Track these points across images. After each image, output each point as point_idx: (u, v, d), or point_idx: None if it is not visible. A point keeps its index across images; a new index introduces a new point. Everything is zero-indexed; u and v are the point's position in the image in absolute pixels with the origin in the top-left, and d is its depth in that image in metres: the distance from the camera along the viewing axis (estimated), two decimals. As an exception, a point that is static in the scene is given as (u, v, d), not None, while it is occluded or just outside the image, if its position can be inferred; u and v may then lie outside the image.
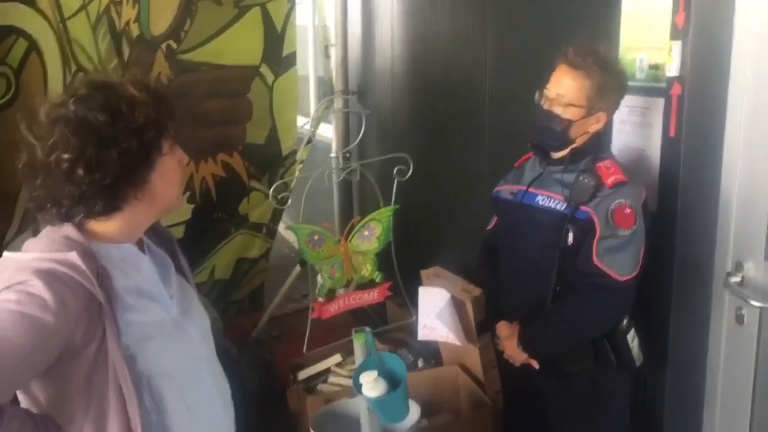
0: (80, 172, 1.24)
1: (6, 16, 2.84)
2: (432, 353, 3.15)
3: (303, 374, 3.09)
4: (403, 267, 2.22)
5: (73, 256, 1.21)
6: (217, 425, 1.51)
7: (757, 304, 1.83)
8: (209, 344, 1.53)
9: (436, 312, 2.74)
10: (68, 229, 1.29)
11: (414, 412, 2.50)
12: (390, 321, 3.54)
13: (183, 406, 1.39)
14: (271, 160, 3.82)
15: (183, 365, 1.41)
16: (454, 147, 3.40)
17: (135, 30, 3.25)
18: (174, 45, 3.37)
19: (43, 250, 1.24)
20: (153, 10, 3.27)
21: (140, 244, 1.44)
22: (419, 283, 2.91)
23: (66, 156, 1.24)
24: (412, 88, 3.81)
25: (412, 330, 2.86)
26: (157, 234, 1.54)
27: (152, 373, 1.34)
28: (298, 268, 3.67)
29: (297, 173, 3.85)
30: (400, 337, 3.30)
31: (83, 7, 3.05)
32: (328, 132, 4.46)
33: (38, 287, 1.16)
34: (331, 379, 3.04)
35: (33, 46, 2.91)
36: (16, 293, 1.16)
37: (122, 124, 1.26)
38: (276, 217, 3.96)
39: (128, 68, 3.17)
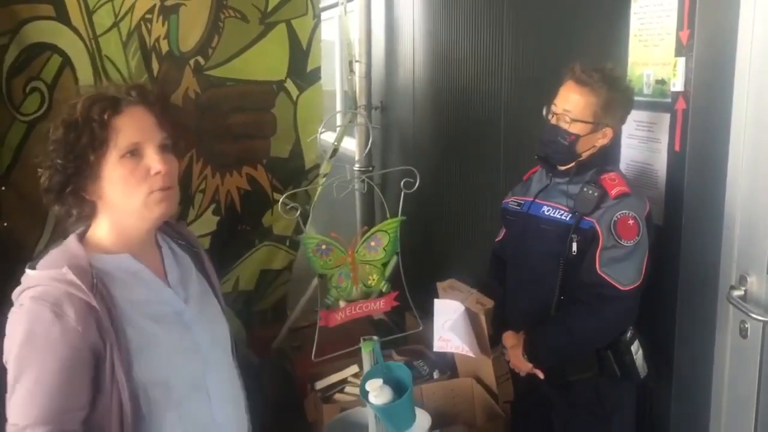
0: (46, 183, 1.37)
1: (41, 33, 3.01)
2: (448, 365, 3.21)
3: (320, 384, 3.17)
4: (420, 279, 2.29)
5: (64, 270, 1.31)
6: None
7: (759, 318, 1.85)
8: (220, 353, 1.56)
9: (450, 324, 2.79)
10: (71, 241, 1.40)
11: (424, 421, 2.56)
12: (408, 334, 3.61)
13: (177, 415, 1.43)
14: (294, 174, 3.91)
15: (183, 374, 1.45)
16: (472, 161, 3.48)
17: (164, 46, 3.39)
18: (202, 61, 3.50)
19: (45, 265, 1.35)
20: (182, 28, 3.40)
21: (158, 247, 1.52)
22: (436, 295, 2.97)
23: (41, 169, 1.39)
24: (433, 104, 3.90)
25: (428, 342, 2.92)
26: (184, 239, 1.62)
27: (148, 382, 1.38)
28: (317, 280, 3.75)
29: (320, 187, 3.94)
30: (418, 348, 3.37)
31: (115, 25, 3.20)
32: (351, 145, 4.56)
33: (33, 310, 1.29)
34: (348, 389, 3.11)
35: (66, 62, 3.08)
36: (17, 328, 1.29)
37: (63, 143, 1.35)
38: (300, 229, 4.05)
39: (158, 83, 3.32)
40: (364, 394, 2.06)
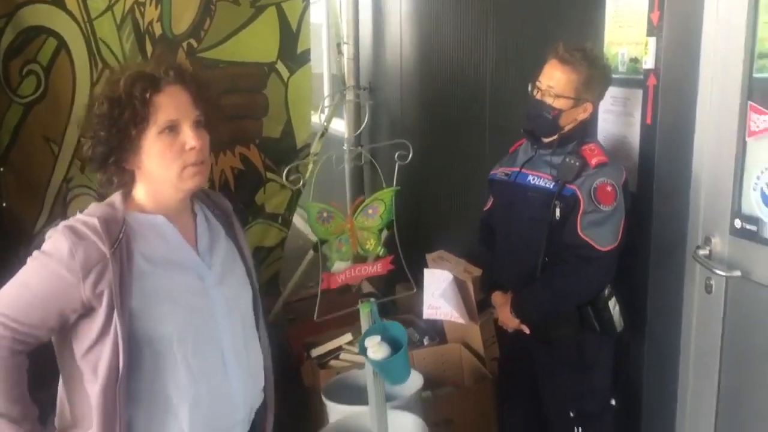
0: (89, 152, 1.55)
1: (37, 16, 3.16)
2: (437, 332, 3.43)
3: (316, 352, 3.38)
4: (411, 251, 2.48)
5: (95, 220, 1.49)
6: (225, 395, 1.63)
7: (722, 273, 2.08)
8: (238, 320, 1.67)
9: (439, 292, 2.99)
10: (116, 197, 1.58)
11: (417, 380, 2.78)
12: (400, 305, 3.83)
13: (185, 371, 1.54)
14: (286, 153, 4.09)
15: (192, 333, 1.56)
16: (458, 138, 3.69)
17: (158, 29, 3.55)
18: (194, 43, 3.67)
19: (88, 211, 1.54)
20: (175, 11, 3.56)
21: (194, 214, 1.68)
22: (425, 265, 3.18)
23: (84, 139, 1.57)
24: (420, 83, 4.11)
25: (418, 312, 3.13)
26: (219, 208, 1.77)
27: (154, 335, 1.51)
28: (311, 254, 3.95)
29: (311, 165, 4.13)
30: (408, 318, 3.58)
31: (109, 8, 3.35)
32: (340, 126, 4.75)
33: (60, 240, 1.47)
34: (342, 355, 3.33)
35: (62, 45, 3.22)
36: (48, 245, 1.49)
37: (106, 117, 1.51)
38: (291, 207, 4.24)
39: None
40: (363, 350, 2.26)
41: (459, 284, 3.03)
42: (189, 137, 1.54)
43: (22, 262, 1.52)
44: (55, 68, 3.24)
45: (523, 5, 3.00)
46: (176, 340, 1.54)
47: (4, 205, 3.30)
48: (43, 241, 1.53)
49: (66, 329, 1.52)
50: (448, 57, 3.72)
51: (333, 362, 3.32)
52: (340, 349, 3.36)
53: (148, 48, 3.54)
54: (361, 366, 2.86)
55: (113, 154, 1.53)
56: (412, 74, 4.18)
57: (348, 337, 3.35)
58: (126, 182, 1.59)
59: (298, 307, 3.96)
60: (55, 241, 1.48)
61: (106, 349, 1.48)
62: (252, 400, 1.72)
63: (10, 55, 3.15)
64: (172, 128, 1.53)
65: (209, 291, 1.62)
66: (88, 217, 1.51)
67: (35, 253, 1.50)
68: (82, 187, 3.33)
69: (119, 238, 1.50)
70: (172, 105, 1.53)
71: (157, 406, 1.54)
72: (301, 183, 4.02)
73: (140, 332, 1.50)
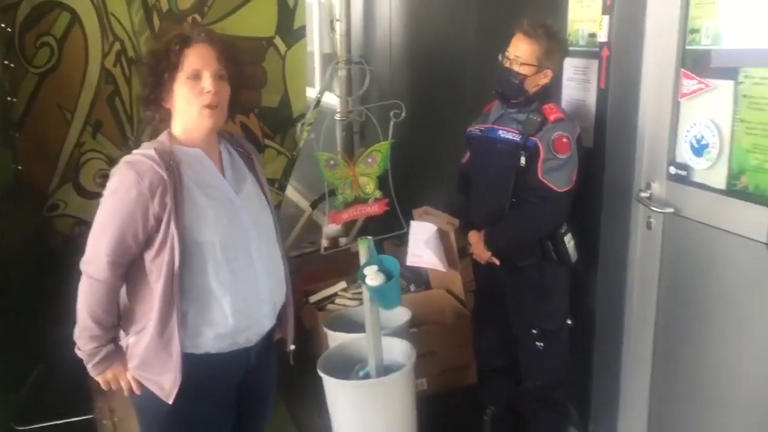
0: (142, 93, 2.10)
1: (50, -8, 3.57)
2: (422, 280, 3.98)
3: (314, 298, 3.93)
4: (401, 204, 2.97)
5: (152, 151, 1.99)
6: (255, 290, 2.11)
7: (659, 210, 2.64)
8: (264, 234, 2.16)
9: (424, 242, 3.51)
10: (164, 135, 2.10)
11: (405, 314, 3.32)
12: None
13: (226, 269, 2.02)
14: (283, 122, 4.55)
15: (232, 240, 2.03)
16: (442, 107, 4.21)
17: (164, 5, 3.98)
18: (198, 18, 4.09)
19: (142, 147, 2.05)
20: (180, -12, 4.02)
21: (218, 152, 2.17)
22: (412, 218, 3.71)
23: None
24: (408, 55, 4.63)
25: (404, 260, 3.65)
26: (242, 147, 2.28)
27: (201, 241, 1.98)
28: (309, 211, 4.46)
29: (306, 134, 4.63)
30: (397, 269, 4.13)
31: (119, -16, 3.78)
32: (331, 99, 5.27)
33: (124, 173, 1.96)
34: (338, 300, 3.87)
35: (75, 19, 3.64)
36: (114, 180, 1.99)
37: (150, 65, 2.04)
38: (287, 173, 4.73)
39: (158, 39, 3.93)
40: (362, 277, 2.78)
41: (442, 235, 3.57)
42: (207, 83, 2.03)
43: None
44: (69, 40, 3.62)
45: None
46: (218, 246, 2.02)
47: (19, 168, 3.75)
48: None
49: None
50: (434, 30, 4.23)
51: (329, 306, 3.86)
52: (335, 295, 3.91)
53: (156, 22, 3.96)
54: (355, 310, 3.37)
55: (153, 93, 2.06)
56: (400, 47, 4.69)
57: (342, 284, 3.89)
58: (164, 118, 2.12)
59: (295, 262, 4.48)
60: (121, 175, 1.99)
61: (166, 252, 1.99)
62: (276, 297, 2.22)
63: (25, 27, 3.55)
64: (197, 76, 2.02)
65: (238, 211, 2.12)
66: (145, 150, 2.03)
67: (105, 193, 2.01)
68: (93, 151, 3.73)
69: (170, 163, 2.00)
70: (197, 57, 2.02)
71: (205, 297, 2.04)
72: (296, 150, 4.57)
73: (190, 238, 1.99)
